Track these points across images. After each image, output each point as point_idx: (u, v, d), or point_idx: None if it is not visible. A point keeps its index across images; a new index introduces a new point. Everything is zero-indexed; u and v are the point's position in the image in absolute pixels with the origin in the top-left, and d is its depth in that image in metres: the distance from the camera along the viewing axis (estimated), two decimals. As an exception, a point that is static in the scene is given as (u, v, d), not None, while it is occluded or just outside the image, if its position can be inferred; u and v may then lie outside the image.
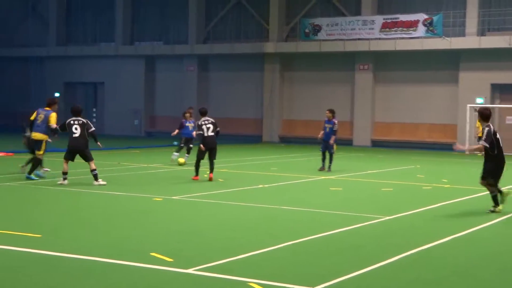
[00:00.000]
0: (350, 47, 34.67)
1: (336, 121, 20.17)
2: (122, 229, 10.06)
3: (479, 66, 32.35)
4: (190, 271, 7.46)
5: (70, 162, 15.60)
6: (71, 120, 15.62)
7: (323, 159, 20.05)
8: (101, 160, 21.78)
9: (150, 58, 41.53)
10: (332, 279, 7.23)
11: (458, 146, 12.99)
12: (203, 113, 17.27)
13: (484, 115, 12.26)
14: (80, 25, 44.34)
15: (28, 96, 42.65)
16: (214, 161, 17.10)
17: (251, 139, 37.61)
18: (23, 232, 9.48)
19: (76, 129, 15.46)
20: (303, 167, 21.55)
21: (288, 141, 36.74)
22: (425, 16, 33.00)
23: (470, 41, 32.20)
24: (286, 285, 6.96)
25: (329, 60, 36.26)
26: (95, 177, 15.45)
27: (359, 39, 34.44)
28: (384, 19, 33.96)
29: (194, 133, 20.70)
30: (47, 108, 16.63)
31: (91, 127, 15.72)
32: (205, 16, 40.04)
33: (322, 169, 19.93)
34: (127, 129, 41.15)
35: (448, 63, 33.32)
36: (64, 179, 15.42)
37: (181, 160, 20.75)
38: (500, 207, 12.26)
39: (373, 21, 34.20)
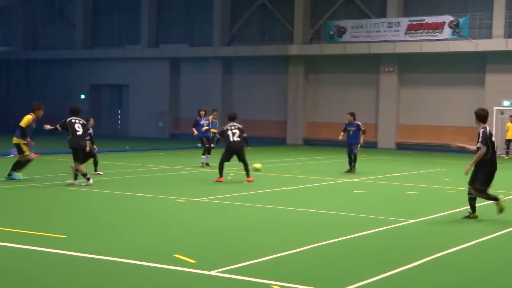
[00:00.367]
0: (375, 49, 34.50)
1: (359, 123, 20.16)
2: (145, 231, 10.11)
3: (506, 68, 31.97)
4: (213, 273, 7.46)
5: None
6: (72, 119, 15.53)
7: (350, 162, 20.03)
8: (126, 162, 21.94)
9: (175, 60, 41.72)
10: (355, 282, 7.18)
11: (457, 144, 12.44)
12: (231, 118, 17.35)
13: (481, 116, 11.68)
14: (106, 28, 44.73)
15: (54, 99, 43.06)
16: (248, 162, 17.10)
17: (275, 141, 37.57)
18: (48, 232, 9.57)
19: (78, 127, 15.46)
20: (327, 169, 21.48)
21: (312, 143, 36.64)
22: (451, 18, 32.72)
23: (496, 43, 31.86)
24: (309, 288, 6.94)
25: (354, 62, 36.11)
26: (76, 177, 15.42)
27: (384, 41, 34.25)
28: (409, 21, 33.75)
29: (203, 129, 20.98)
30: (31, 113, 16.51)
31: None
32: (229, 19, 40.14)
33: (349, 171, 19.92)
34: (151, 131, 41.38)
35: (474, 65, 32.99)
36: (88, 179, 15.42)
37: (257, 165, 19.14)
38: (476, 213, 11.44)
39: (398, 23, 34.00)
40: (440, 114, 33.79)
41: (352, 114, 20.25)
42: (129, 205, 12.85)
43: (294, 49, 37.02)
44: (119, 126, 43.75)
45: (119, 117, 43.89)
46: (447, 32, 32.72)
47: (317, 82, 37.62)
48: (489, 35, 32.50)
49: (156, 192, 14.50)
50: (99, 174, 17.75)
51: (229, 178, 17.99)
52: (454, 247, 9.25)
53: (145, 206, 12.76)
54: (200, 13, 41.12)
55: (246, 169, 17.09)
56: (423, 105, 34.55)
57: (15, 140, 16.42)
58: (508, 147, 30.35)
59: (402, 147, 34.65)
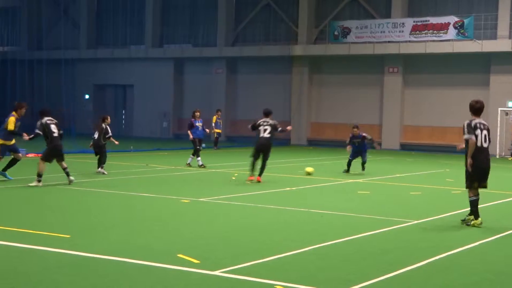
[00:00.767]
0: (380, 49, 34.47)
1: (364, 134, 20.20)
2: (149, 231, 10.11)
3: (511, 69, 31.91)
4: (217, 273, 7.47)
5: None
6: (47, 120, 15.37)
7: (349, 164, 20.13)
8: (130, 162, 21.97)
9: (179, 61, 41.76)
10: (359, 283, 7.18)
11: (462, 146, 11.65)
12: (266, 114, 17.28)
13: (474, 108, 10.81)
14: (110, 28, 44.80)
15: (59, 98, 43.13)
16: (267, 162, 17.05)
17: (279, 141, 37.53)
18: (52, 232, 9.58)
19: (54, 129, 15.33)
20: (331, 170, 21.47)
21: (316, 144, 36.64)
22: (456, 19, 32.68)
23: (501, 44, 31.80)
24: (312, 289, 6.93)
25: (358, 63, 36.10)
26: (68, 174, 15.47)
27: (388, 41, 34.23)
28: (414, 21, 33.71)
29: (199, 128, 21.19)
30: (13, 112, 16.34)
31: (60, 129, 15.63)
32: (234, 19, 40.16)
33: (346, 171, 20.03)
34: (155, 131, 41.42)
35: (479, 66, 32.94)
36: (39, 181, 15.04)
37: (310, 169, 19.30)
38: (478, 221, 10.74)
39: (403, 23, 33.97)
40: (444, 115, 33.73)
41: (358, 127, 20.23)
42: (133, 205, 12.86)
43: (298, 50, 37.02)
44: (123, 126, 43.80)
45: (123, 117, 43.93)
46: (451, 32, 32.68)
47: (321, 82, 37.60)
48: (494, 36, 32.44)
49: (160, 192, 14.51)
50: (103, 173, 17.95)
51: (233, 178, 17.99)
52: (458, 248, 9.23)
53: (149, 206, 12.78)
54: (204, 13, 41.15)
55: (262, 168, 17.01)
56: (427, 106, 34.51)
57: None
58: (513, 148, 30.30)
59: (406, 148, 34.61)
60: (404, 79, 34.98)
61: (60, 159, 15.51)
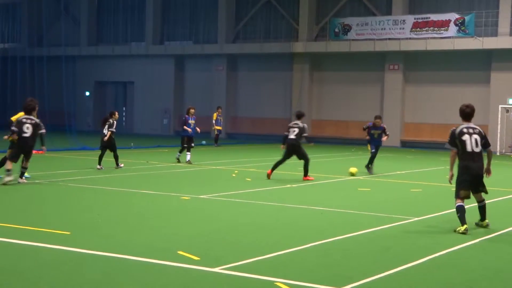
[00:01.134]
0: (380, 47, 34.46)
1: (385, 126, 19.55)
2: (150, 228, 10.11)
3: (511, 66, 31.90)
4: (217, 270, 7.47)
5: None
6: (23, 118, 14.77)
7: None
8: (130, 159, 21.97)
9: (180, 58, 41.75)
10: (359, 280, 7.18)
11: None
12: (297, 116, 17.62)
13: (464, 113, 10.33)
14: (111, 25, 44.79)
15: (59, 95, 43.12)
16: (306, 163, 17.15)
17: (279, 139, 37.50)
18: (52, 229, 9.58)
19: (27, 128, 14.67)
20: (332, 167, 21.47)
21: (317, 141, 36.62)
22: (457, 16, 32.66)
23: (502, 41, 31.78)
24: (312, 285, 6.93)
25: (359, 60, 36.09)
26: (22, 174, 14.93)
27: (389, 39, 34.22)
28: (415, 18, 33.70)
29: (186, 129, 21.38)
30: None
31: (42, 129, 14.86)
32: (234, 16, 40.14)
33: (369, 170, 19.26)
34: (156, 128, 41.42)
35: (479, 63, 32.92)
36: (8, 175, 14.43)
37: (353, 169, 18.76)
38: (463, 228, 9.98)
39: (403, 20, 33.95)
40: (445, 112, 33.71)
41: (380, 118, 19.65)
42: (133, 202, 12.87)
43: (299, 47, 37.01)
44: (124, 123, 43.80)
45: (124, 114, 43.92)
46: (452, 30, 32.66)
47: (322, 79, 37.59)
48: (495, 33, 32.42)
49: (160, 189, 14.51)
50: (120, 167, 18.94)
51: (233, 175, 18.00)
52: (458, 245, 9.23)
53: (149, 203, 12.78)
54: (205, 10, 41.14)
55: (305, 167, 17.15)
56: (428, 103, 34.50)
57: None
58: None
59: (407, 145, 34.60)
60: (404, 76, 34.97)
61: (27, 157, 14.90)
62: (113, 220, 10.79)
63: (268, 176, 16.96)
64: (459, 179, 10.24)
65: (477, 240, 9.67)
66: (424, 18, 33.47)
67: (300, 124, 17.30)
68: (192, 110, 22.20)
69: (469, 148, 10.14)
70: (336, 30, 35.83)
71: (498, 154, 29.88)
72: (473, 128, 10.31)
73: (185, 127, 21.60)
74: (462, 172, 10.19)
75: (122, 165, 19.13)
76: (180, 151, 21.71)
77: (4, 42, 48.87)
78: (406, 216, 11.64)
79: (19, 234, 9.16)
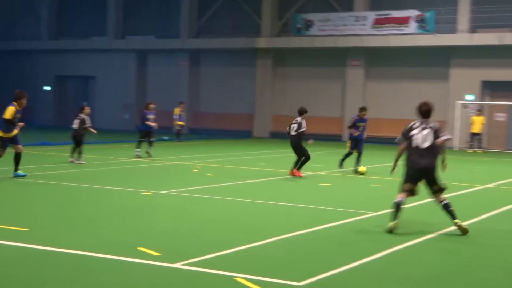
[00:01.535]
0: (342, 42, 34.72)
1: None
2: (110, 224, 10.06)
3: (470, 63, 32.47)
4: (177, 265, 7.47)
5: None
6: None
7: (345, 157, 19.14)
8: (91, 154, 21.75)
9: (142, 52, 41.45)
10: (319, 274, 7.25)
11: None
12: (299, 113, 17.53)
13: (420, 111, 10.12)
14: (73, 19, 44.21)
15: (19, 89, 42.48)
16: (302, 158, 17.29)
17: (241, 134, 37.61)
18: (11, 226, 9.47)
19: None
20: (293, 162, 21.53)
21: (279, 136, 36.75)
22: (417, 13, 33.08)
23: (461, 37, 32.31)
24: (272, 280, 6.98)
25: (321, 56, 36.30)
26: None
27: (351, 35, 34.48)
28: (376, 15, 34.03)
29: (147, 122, 21.51)
30: (14, 102, 15.26)
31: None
32: (197, 11, 39.99)
33: (356, 170, 18.79)
34: (117, 123, 41.07)
35: (439, 60, 33.42)
36: None
37: (363, 168, 18.58)
38: (392, 223, 9.82)
39: (365, 17, 34.26)
40: (405, 108, 34.07)
41: (366, 109, 18.99)
42: (93, 198, 12.77)
43: (262, 42, 37.06)
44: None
45: (85, 109, 43.37)
46: (413, 26, 33.08)
47: (285, 75, 37.73)
48: (454, 30, 32.94)
49: (121, 185, 14.42)
50: (82, 163, 18.65)
51: (194, 171, 17.98)
52: (419, 238, 9.38)
53: (110, 199, 12.70)
54: (167, 5, 40.89)
55: (297, 162, 17.28)
56: (388, 99, 34.90)
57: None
58: (472, 141, 30.82)
59: (368, 141, 34.76)
60: (366, 72, 35.30)
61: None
62: (72, 216, 10.69)
63: (295, 174, 17.11)
64: (404, 174, 10.15)
65: (437, 234, 9.82)
66: (385, 15, 33.83)
67: (299, 120, 17.40)
68: (151, 106, 22.16)
69: (415, 143, 9.97)
70: (299, 25, 35.98)
71: (457, 149, 30.37)
72: (427, 124, 10.10)
73: (147, 122, 21.56)
74: (407, 167, 10.06)
75: (82, 162, 18.92)
76: (138, 146, 21.66)
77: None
78: (366, 211, 11.79)
79: (-24, 231, 9.03)
